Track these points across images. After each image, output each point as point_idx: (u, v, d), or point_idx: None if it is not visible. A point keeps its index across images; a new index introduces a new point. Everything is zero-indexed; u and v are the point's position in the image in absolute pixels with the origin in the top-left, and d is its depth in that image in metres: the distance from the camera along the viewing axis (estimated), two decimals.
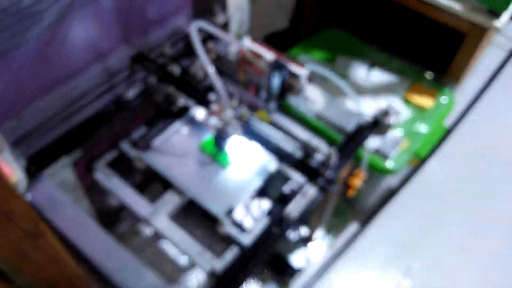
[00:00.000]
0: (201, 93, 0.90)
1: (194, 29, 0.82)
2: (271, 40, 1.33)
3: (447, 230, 1.34)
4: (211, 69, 0.78)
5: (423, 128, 1.11)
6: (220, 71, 1.05)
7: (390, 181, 1.29)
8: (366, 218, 1.17)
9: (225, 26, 1.09)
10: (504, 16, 1.03)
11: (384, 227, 1.32)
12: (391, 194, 1.14)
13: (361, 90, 1.20)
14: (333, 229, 1.30)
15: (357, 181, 0.98)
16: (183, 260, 1.21)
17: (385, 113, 0.86)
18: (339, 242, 1.22)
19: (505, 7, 1.00)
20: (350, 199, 1.31)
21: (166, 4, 0.97)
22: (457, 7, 1.05)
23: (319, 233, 1.23)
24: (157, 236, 0.99)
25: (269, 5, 1.21)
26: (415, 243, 1.31)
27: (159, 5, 0.95)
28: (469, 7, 1.04)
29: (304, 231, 1.24)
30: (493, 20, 1.03)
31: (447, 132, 1.09)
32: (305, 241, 1.25)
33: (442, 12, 1.08)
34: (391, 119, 0.86)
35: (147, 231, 1.26)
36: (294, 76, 0.94)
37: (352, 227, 1.30)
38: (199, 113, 0.96)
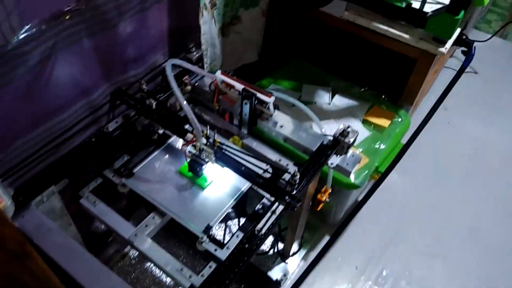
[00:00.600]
0: (177, 124, 0.92)
1: (169, 67, 0.85)
2: (243, 72, 1.38)
3: (412, 238, 1.38)
4: (184, 103, 0.81)
5: (381, 146, 1.16)
6: (197, 101, 1.10)
7: (357, 195, 1.33)
8: (337, 230, 1.20)
9: (200, 60, 1.13)
10: (448, 43, 1.09)
11: (354, 239, 1.35)
12: (358, 207, 1.18)
13: (325, 115, 1.24)
14: (308, 242, 1.32)
15: (324, 197, 1.02)
16: (167, 279, 1.22)
17: (344, 133, 0.90)
18: (314, 255, 1.24)
19: (449, 36, 1.07)
20: (322, 213, 1.34)
21: (145, 44, 1.00)
22: (406, 36, 1.12)
23: (294, 247, 1.25)
24: (143, 257, 1.00)
25: (240, 41, 1.26)
26: (383, 252, 1.34)
27: (138, 44, 0.98)
28: (417, 36, 1.11)
29: (280, 245, 1.26)
30: (439, 47, 1.09)
31: (404, 148, 1.14)
32: (282, 255, 1.27)
33: (394, 41, 1.15)
34: (350, 139, 0.90)
35: (133, 252, 1.26)
36: (262, 103, 0.99)
37: (325, 239, 1.32)
38: (176, 141, 0.98)
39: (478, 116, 1.77)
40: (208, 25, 1.08)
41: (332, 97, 1.31)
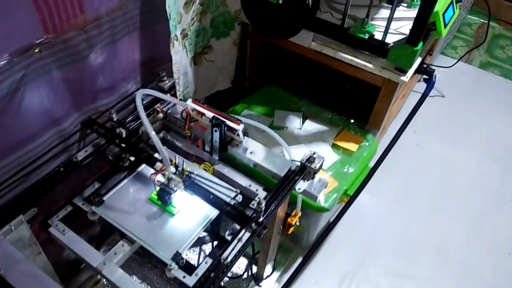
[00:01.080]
0: (146, 153, 0.94)
1: (138, 97, 0.87)
2: (218, 97, 1.41)
3: (383, 259, 1.40)
4: (152, 133, 0.82)
5: (350, 169, 1.19)
6: (170, 128, 1.12)
7: (329, 217, 1.35)
8: (308, 252, 1.22)
9: (172, 88, 1.15)
10: (410, 72, 1.15)
11: (326, 260, 1.37)
12: (328, 229, 1.20)
13: (296, 139, 1.28)
14: (282, 265, 1.34)
15: (295, 220, 1.04)
16: None
17: (311, 159, 0.93)
18: (287, 277, 1.25)
19: (409, 66, 1.12)
20: (296, 236, 1.36)
21: (116, 73, 1.02)
22: (370, 66, 1.17)
23: (268, 270, 1.26)
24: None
25: (213, 69, 1.29)
26: (355, 273, 1.36)
27: (110, 74, 1.00)
28: (380, 65, 1.16)
29: (254, 268, 1.27)
30: (400, 76, 1.14)
31: (372, 172, 1.18)
32: (255, 278, 1.28)
33: (359, 70, 1.19)
34: (316, 164, 0.93)
35: (104, 280, 1.25)
36: (233, 130, 1.01)
37: (298, 262, 1.33)
38: (147, 168, 1.00)
39: (446, 138, 1.83)
40: (180, 54, 1.11)
41: (303, 122, 1.35)
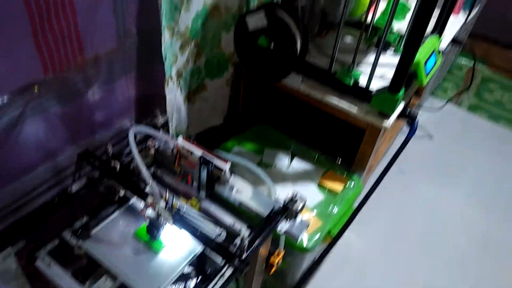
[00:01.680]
0: (138, 186, 0.97)
1: (131, 135, 0.92)
2: (210, 133, 1.45)
3: None
4: (144, 170, 0.86)
5: (334, 210, 1.22)
6: (160, 164, 1.15)
7: (313, 256, 1.37)
8: None
9: (165, 125, 1.20)
10: (392, 117, 1.20)
11: None
12: (311, 269, 1.22)
13: (283, 178, 1.31)
14: None
15: (277, 260, 1.06)
16: None
17: (293, 200, 0.97)
18: None
19: (391, 111, 1.17)
20: (281, 275, 1.37)
21: (112, 109, 1.07)
22: (354, 110, 1.22)
23: None
24: None
25: (206, 107, 1.35)
26: None
27: (106, 110, 1.05)
28: (364, 110, 1.21)
29: None
30: (383, 121, 1.19)
31: (355, 213, 1.21)
32: None
33: (345, 113, 1.25)
34: (298, 206, 0.96)
35: None
36: (219, 169, 1.05)
37: None
38: (136, 203, 1.03)
39: (432, 179, 1.87)
40: (174, 93, 1.16)
41: (291, 160, 1.39)
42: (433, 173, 1.90)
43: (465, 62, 2.60)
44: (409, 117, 1.28)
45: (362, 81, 1.23)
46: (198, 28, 1.14)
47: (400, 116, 1.26)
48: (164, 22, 1.01)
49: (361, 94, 1.21)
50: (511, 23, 2.46)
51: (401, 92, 1.14)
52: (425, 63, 1.20)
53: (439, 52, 1.28)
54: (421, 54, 1.18)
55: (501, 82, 2.51)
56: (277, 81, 1.27)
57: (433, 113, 2.15)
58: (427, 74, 1.22)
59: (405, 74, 1.09)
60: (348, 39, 1.49)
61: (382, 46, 1.15)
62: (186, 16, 1.06)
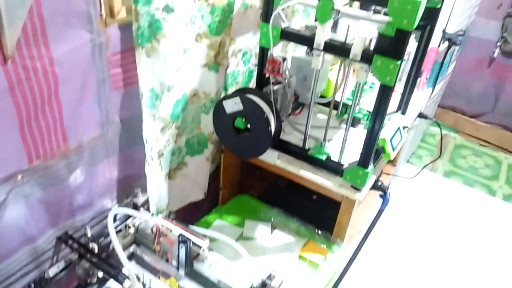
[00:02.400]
0: (115, 269, 0.98)
1: (110, 218, 0.95)
2: (191, 207, 1.48)
3: None
4: (120, 255, 0.88)
5: (315, 281, 1.23)
6: (140, 242, 1.17)
7: None
8: None
9: (146, 203, 1.23)
10: (364, 190, 1.25)
11: None
12: None
13: (264, 250, 1.33)
14: None
15: None
16: None
17: (271, 277, 0.98)
18: None
19: (362, 185, 1.23)
20: None
21: (93, 191, 1.11)
22: (329, 184, 1.27)
23: None
24: None
25: (186, 183, 1.39)
26: None
27: (87, 192, 1.08)
28: (338, 183, 1.27)
29: None
30: (356, 193, 1.24)
31: (337, 283, 1.22)
32: None
33: (319, 186, 1.30)
34: (276, 283, 0.98)
35: None
36: (197, 246, 1.07)
37: None
38: (114, 286, 1.03)
39: (411, 248, 1.89)
40: (154, 173, 1.21)
41: (272, 232, 1.41)
42: (411, 242, 1.92)
43: (437, 130, 2.73)
44: (380, 189, 1.33)
45: (335, 156, 1.30)
46: (178, 112, 1.22)
47: (372, 188, 1.32)
48: (145, 110, 1.08)
49: (334, 169, 1.27)
50: (475, 96, 2.63)
51: (371, 167, 1.20)
52: (391, 139, 1.28)
53: (404, 128, 1.38)
54: (386, 132, 1.27)
55: (473, 148, 2.63)
56: (253, 158, 1.34)
57: (409, 179, 2.21)
58: (394, 149, 1.30)
59: (372, 152, 1.16)
60: (321, 116, 1.59)
61: (349, 124, 1.23)
62: (167, 104, 1.14)
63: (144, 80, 1.05)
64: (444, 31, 1.69)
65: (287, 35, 1.15)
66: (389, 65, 1.01)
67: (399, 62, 1.00)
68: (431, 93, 1.86)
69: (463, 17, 1.79)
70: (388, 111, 1.47)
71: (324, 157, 1.29)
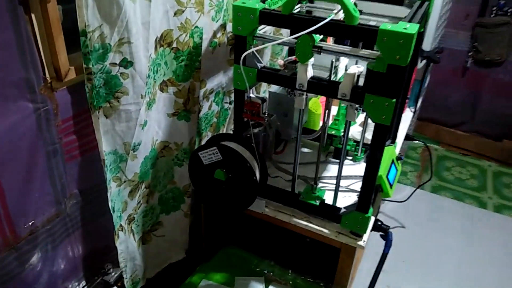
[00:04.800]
0: None
1: None
2: (173, 269, 1.33)
3: None
4: None
5: None
6: None
7: None
8: None
9: (120, 279, 1.07)
10: (366, 236, 1.14)
11: None
12: None
13: None
14: None
15: None
16: None
17: None
18: None
19: (363, 231, 1.12)
20: None
21: (56, 276, 0.95)
22: (326, 231, 1.16)
23: None
24: None
25: (164, 243, 1.24)
26: None
27: (48, 279, 0.92)
28: (336, 230, 1.15)
29: None
30: (357, 240, 1.13)
31: None
32: None
33: (315, 233, 1.18)
34: None
35: None
36: None
37: None
38: None
39: (414, 273, 1.81)
40: (126, 243, 1.06)
41: (267, 287, 1.27)
42: (414, 267, 1.83)
43: (418, 143, 2.68)
44: (381, 230, 1.23)
45: (328, 197, 1.19)
46: (147, 170, 1.08)
47: (372, 230, 1.21)
48: (109, 175, 0.94)
49: (330, 215, 1.15)
50: (452, 106, 2.61)
51: (371, 211, 1.09)
52: (387, 175, 1.18)
53: (398, 159, 1.28)
54: (381, 169, 1.16)
55: (456, 159, 2.59)
56: (239, 212, 1.20)
57: (400, 201, 2.13)
58: (391, 185, 1.20)
59: (371, 196, 1.05)
60: (305, 150, 1.48)
61: (342, 165, 1.12)
62: (133, 164, 1.00)
63: (105, 144, 0.90)
64: (421, 49, 1.63)
65: (265, 76, 1.03)
66: (383, 104, 0.91)
67: (394, 100, 0.90)
68: (414, 112, 1.79)
69: (437, 34, 1.74)
70: None
71: (317, 202, 1.17)
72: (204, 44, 1.12)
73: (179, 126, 1.12)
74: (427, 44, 1.67)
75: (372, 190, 1.04)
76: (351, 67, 0.97)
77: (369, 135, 1.53)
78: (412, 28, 0.83)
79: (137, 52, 0.85)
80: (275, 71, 1.03)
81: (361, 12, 1.25)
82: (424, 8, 1.07)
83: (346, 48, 0.94)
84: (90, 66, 0.79)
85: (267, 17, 0.95)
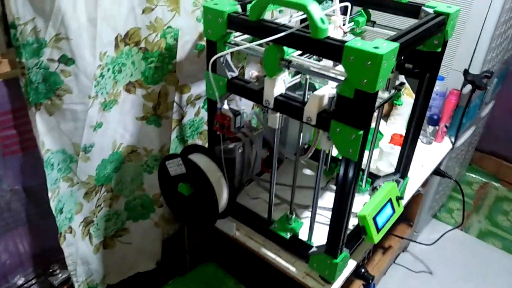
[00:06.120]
0: None
1: None
2: (142, 278, 1.29)
3: None
4: None
5: None
6: None
7: None
8: None
9: (67, 281, 1.05)
10: (336, 284, 1.00)
11: None
12: None
13: None
14: None
15: None
16: None
17: None
18: None
19: (331, 278, 0.97)
20: None
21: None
22: (293, 269, 1.03)
23: None
24: None
25: (131, 251, 1.21)
26: None
27: None
28: (304, 270, 1.02)
29: None
30: (325, 287, 0.99)
31: None
32: None
33: (283, 270, 1.06)
34: None
35: None
36: None
37: None
38: None
39: None
40: (75, 246, 1.03)
41: None
42: None
43: (476, 177, 2.37)
44: (363, 279, 1.07)
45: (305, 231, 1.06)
46: (108, 173, 1.04)
47: (353, 276, 1.06)
48: (58, 174, 0.91)
49: (298, 252, 1.03)
50: None
51: (343, 256, 0.95)
52: (375, 217, 1.01)
53: (399, 199, 1.10)
54: (368, 207, 1.00)
55: None
56: (201, 229, 1.12)
57: (433, 241, 1.88)
58: (380, 229, 1.03)
59: (340, 239, 0.91)
60: (308, 172, 1.35)
61: (317, 188, 0.99)
62: (86, 166, 0.97)
63: (51, 142, 0.88)
64: (466, 71, 1.41)
65: (234, 87, 0.94)
66: (350, 135, 0.77)
67: (361, 132, 0.76)
68: (453, 143, 1.56)
69: (492, 55, 1.49)
70: (383, 171, 1.24)
71: (288, 235, 1.05)
72: (187, 47, 1.05)
73: (149, 131, 1.07)
74: (476, 66, 1.44)
75: (340, 232, 0.90)
76: (322, 88, 0.84)
77: (381, 165, 1.37)
78: (388, 47, 0.69)
79: (80, 49, 0.81)
80: (246, 83, 0.93)
81: (374, 23, 1.10)
82: (435, 23, 0.90)
83: (316, 65, 0.81)
84: (23, 60, 0.76)
85: (234, 21, 0.86)
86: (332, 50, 0.73)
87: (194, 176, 1.00)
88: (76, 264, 1.05)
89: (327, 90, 0.82)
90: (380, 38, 0.73)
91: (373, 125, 1.16)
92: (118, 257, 1.18)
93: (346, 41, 0.71)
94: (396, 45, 0.71)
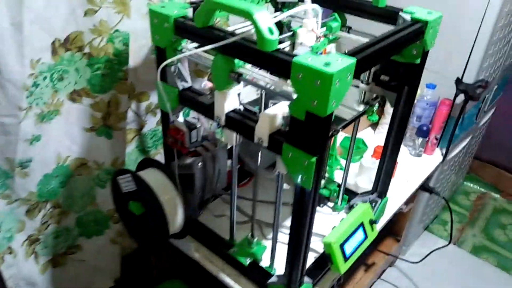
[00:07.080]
0: None
1: None
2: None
3: None
4: None
5: None
6: None
7: None
8: None
9: None
10: None
11: None
12: None
13: None
14: None
15: None
16: None
17: None
18: None
19: None
20: None
21: None
22: None
23: None
24: None
25: (84, 269, 1.14)
26: None
27: None
28: None
29: None
30: None
31: None
32: None
33: None
34: None
35: None
36: None
37: None
38: None
39: None
40: (16, 267, 0.96)
41: None
42: None
43: (474, 186, 2.26)
44: None
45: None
46: (53, 188, 0.96)
47: None
48: None
49: (257, 280, 0.94)
50: None
51: (306, 286, 0.87)
52: (343, 244, 0.92)
53: (373, 222, 1.01)
54: (335, 234, 0.91)
55: None
56: (152, 249, 1.04)
57: (422, 256, 1.79)
58: (348, 258, 0.94)
59: (298, 269, 0.83)
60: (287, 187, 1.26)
61: (278, 206, 0.90)
62: (24, 182, 0.89)
63: None
64: (458, 80, 1.30)
65: (186, 100, 0.85)
66: (302, 161, 0.68)
67: (313, 159, 0.67)
68: (444, 156, 1.46)
69: (489, 62, 1.38)
70: (363, 188, 1.14)
71: (248, 261, 0.97)
72: (143, 52, 0.97)
73: (99, 143, 0.99)
74: (470, 76, 1.34)
75: (298, 262, 0.82)
76: (276, 105, 0.75)
77: (360, 181, 1.28)
78: (341, 64, 0.60)
79: (3, 57, 0.73)
80: (198, 95, 0.85)
81: (349, 29, 1.01)
82: (411, 31, 0.80)
83: (267, 79, 0.72)
84: None
85: (181, 27, 0.77)
86: (280, 65, 0.64)
87: (144, 194, 0.92)
88: (20, 287, 0.98)
89: (281, 109, 0.74)
90: (337, 53, 0.64)
91: (352, 134, 1.07)
92: (71, 275, 1.11)
93: (295, 55, 0.62)
94: (352, 61, 0.62)
